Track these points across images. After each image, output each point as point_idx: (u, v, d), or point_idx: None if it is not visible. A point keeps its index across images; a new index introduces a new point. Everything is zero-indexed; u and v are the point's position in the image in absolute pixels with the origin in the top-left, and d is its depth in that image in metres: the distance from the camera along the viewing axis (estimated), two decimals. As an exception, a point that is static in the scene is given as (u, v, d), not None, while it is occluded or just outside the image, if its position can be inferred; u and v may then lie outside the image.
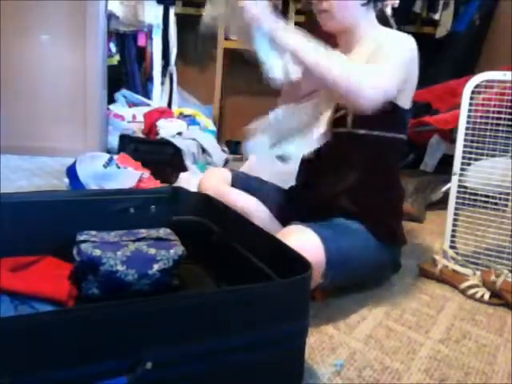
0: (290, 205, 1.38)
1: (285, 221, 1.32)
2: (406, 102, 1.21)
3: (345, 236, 1.17)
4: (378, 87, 1.06)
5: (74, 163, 1.91)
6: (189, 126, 2.68)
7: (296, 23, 3.08)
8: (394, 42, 1.17)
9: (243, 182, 1.39)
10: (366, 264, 1.22)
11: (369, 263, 1.22)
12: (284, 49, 1.05)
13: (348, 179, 1.24)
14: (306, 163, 1.34)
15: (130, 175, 1.90)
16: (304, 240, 1.06)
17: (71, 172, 1.90)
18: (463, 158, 1.46)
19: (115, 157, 2.01)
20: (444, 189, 2.10)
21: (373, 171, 1.24)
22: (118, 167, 1.92)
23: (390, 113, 1.15)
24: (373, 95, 1.05)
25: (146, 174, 1.97)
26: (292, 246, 0.89)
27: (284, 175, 1.50)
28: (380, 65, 1.11)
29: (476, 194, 1.48)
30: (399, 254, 1.36)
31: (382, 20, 1.27)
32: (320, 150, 1.26)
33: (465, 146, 1.45)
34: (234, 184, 1.38)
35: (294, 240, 1.00)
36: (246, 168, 1.72)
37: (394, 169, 1.32)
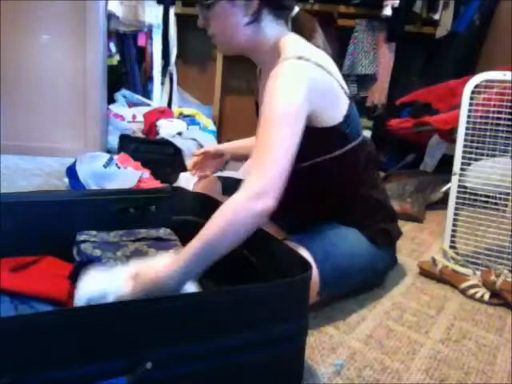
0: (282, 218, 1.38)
1: (278, 220, 1.32)
2: (333, 118, 1.10)
3: (339, 249, 1.16)
4: (268, 188, 0.89)
5: (74, 163, 1.91)
6: (189, 126, 2.68)
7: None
8: (276, 85, 0.99)
9: (234, 188, 1.39)
10: (362, 272, 1.22)
11: (365, 270, 1.22)
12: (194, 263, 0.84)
13: (320, 202, 1.20)
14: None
15: (130, 175, 1.90)
16: None
17: (71, 172, 1.90)
18: (463, 158, 1.46)
19: (115, 157, 2.01)
20: (444, 189, 2.10)
21: (340, 185, 1.20)
22: (118, 167, 1.92)
23: (322, 137, 1.09)
24: (271, 194, 0.88)
25: (146, 174, 1.98)
26: None
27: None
28: (261, 149, 0.93)
29: (476, 194, 1.48)
30: (395, 251, 1.35)
31: (301, 25, 1.14)
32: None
33: (465, 146, 1.45)
34: (225, 191, 1.38)
35: None
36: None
37: (363, 174, 1.24)
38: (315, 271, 1.07)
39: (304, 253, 1.08)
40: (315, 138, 1.05)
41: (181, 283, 0.82)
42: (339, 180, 1.19)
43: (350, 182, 1.21)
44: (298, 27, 1.14)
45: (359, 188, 1.22)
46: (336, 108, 1.11)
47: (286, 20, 1.12)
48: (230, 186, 1.39)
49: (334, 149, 1.14)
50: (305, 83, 0.99)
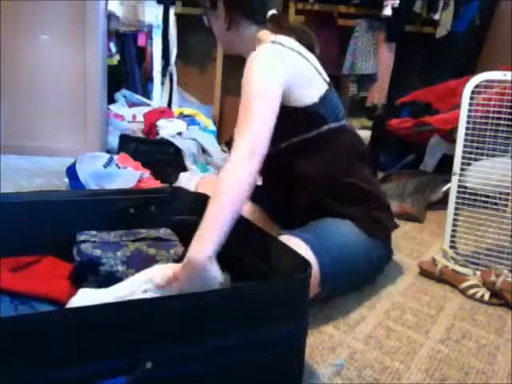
0: (278, 214, 1.40)
1: (279, 220, 1.35)
2: (306, 99, 1.16)
3: (335, 240, 1.17)
4: (254, 148, 0.98)
5: (74, 163, 1.91)
6: (189, 126, 2.68)
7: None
8: (251, 65, 1.09)
9: None
10: (361, 264, 1.22)
11: (363, 262, 1.22)
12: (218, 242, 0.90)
13: (307, 188, 1.23)
14: (266, 184, 1.36)
15: (130, 175, 1.90)
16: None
17: (71, 172, 1.90)
18: (463, 158, 1.46)
19: (115, 157, 2.01)
20: (444, 189, 2.10)
21: (326, 170, 1.21)
22: (118, 167, 1.92)
23: (296, 118, 1.14)
24: (258, 153, 0.98)
25: (146, 174, 1.97)
26: None
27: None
28: (244, 117, 1.02)
29: (476, 194, 1.48)
30: (390, 243, 1.35)
31: (279, 26, 1.22)
32: (267, 171, 1.17)
33: (465, 146, 1.45)
34: None
35: None
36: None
37: (349, 158, 1.25)
38: (314, 261, 1.08)
39: (301, 244, 1.09)
40: (291, 118, 1.12)
41: (213, 261, 0.88)
42: (320, 163, 1.21)
43: (332, 167, 1.22)
44: (276, 27, 1.22)
45: (345, 176, 1.23)
46: (310, 89, 1.18)
47: (263, 23, 1.21)
48: None
49: (309, 129, 1.19)
50: (278, 63, 1.11)
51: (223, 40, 1.27)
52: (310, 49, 1.24)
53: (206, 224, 0.90)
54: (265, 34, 1.20)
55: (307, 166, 1.21)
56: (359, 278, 1.27)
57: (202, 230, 0.89)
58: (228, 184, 0.94)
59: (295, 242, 1.09)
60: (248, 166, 0.96)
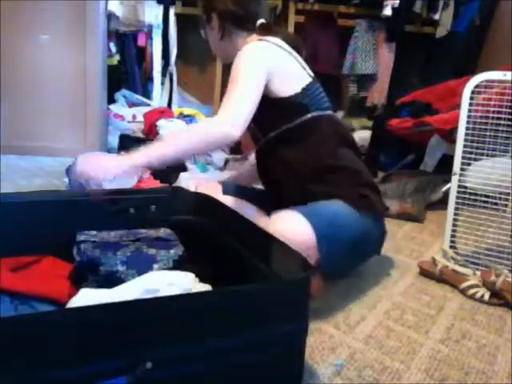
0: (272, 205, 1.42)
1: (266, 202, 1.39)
2: (289, 88, 1.25)
3: (327, 209, 1.22)
4: (237, 117, 1.15)
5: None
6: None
7: (296, 23, 3.09)
8: (239, 57, 1.23)
9: (234, 191, 1.42)
10: (353, 230, 1.22)
11: (355, 229, 1.22)
12: (160, 162, 1.14)
13: (297, 174, 1.28)
14: (260, 174, 1.45)
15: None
16: (291, 223, 1.13)
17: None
18: (463, 158, 1.46)
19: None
20: (444, 189, 2.10)
21: (312, 157, 1.27)
22: None
23: (279, 108, 1.25)
24: (236, 125, 1.13)
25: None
26: (281, 232, 1.01)
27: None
28: (229, 94, 1.18)
29: (476, 194, 1.48)
30: (383, 222, 1.36)
31: (268, 32, 1.33)
32: (260, 161, 1.37)
33: (465, 146, 1.45)
34: (225, 194, 1.41)
35: (281, 226, 1.10)
36: (246, 167, 1.72)
37: (333, 143, 1.30)
38: (309, 228, 1.13)
39: (292, 212, 1.15)
40: (276, 108, 1.24)
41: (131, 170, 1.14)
42: (306, 149, 1.28)
43: (318, 152, 1.28)
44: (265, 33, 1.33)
45: (331, 159, 1.28)
46: (293, 80, 1.27)
47: (253, 30, 1.33)
48: (230, 190, 1.40)
49: (293, 118, 1.27)
50: (262, 55, 1.24)
51: (218, 49, 1.39)
52: (296, 50, 1.34)
53: (158, 144, 1.14)
54: (253, 37, 1.32)
55: (295, 153, 1.29)
56: (353, 244, 1.24)
57: (152, 146, 1.12)
58: (200, 130, 1.16)
59: (289, 213, 1.16)
60: (224, 129, 1.12)
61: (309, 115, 1.27)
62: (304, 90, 1.27)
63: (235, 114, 1.15)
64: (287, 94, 1.25)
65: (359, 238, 1.24)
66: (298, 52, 1.34)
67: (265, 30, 1.33)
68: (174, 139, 1.19)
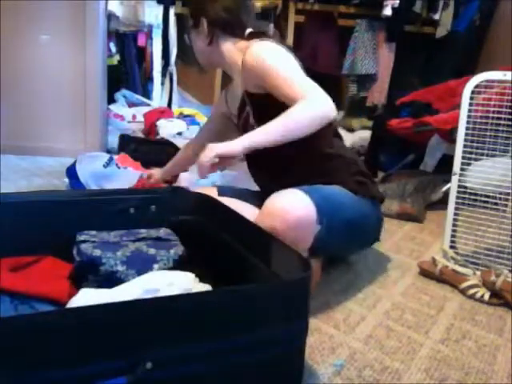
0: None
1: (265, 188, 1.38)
2: None
3: (326, 188, 1.22)
4: (325, 96, 1.14)
5: (74, 163, 1.91)
6: (189, 126, 2.68)
7: (296, 23, 3.09)
8: (260, 54, 1.22)
9: (230, 192, 1.42)
10: (353, 210, 1.23)
11: (353, 209, 1.23)
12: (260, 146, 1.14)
13: (293, 167, 1.30)
14: (254, 172, 1.46)
15: (130, 175, 1.90)
16: (290, 197, 1.12)
17: (71, 172, 1.90)
18: (463, 158, 1.46)
19: (115, 157, 2.01)
20: (444, 189, 2.10)
21: (309, 150, 1.27)
22: (118, 167, 1.92)
23: (281, 103, 1.21)
24: (331, 103, 1.14)
25: (146, 174, 1.97)
26: (280, 206, 1.06)
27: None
28: (293, 87, 1.16)
29: (476, 194, 1.48)
30: (380, 210, 1.37)
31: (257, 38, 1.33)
32: (254, 159, 1.36)
33: (465, 146, 1.45)
34: (220, 196, 1.41)
35: (281, 200, 1.09)
36: (246, 168, 1.72)
37: (327, 136, 1.32)
38: (308, 201, 1.11)
39: (293, 191, 1.14)
40: (280, 104, 1.18)
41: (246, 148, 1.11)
42: (307, 141, 1.22)
43: (314, 141, 1.25)
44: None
45: (326, 148, 1.30)
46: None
47: (242, 36, 1.33)
48: (226, 192, 1.40)
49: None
50: (280, 48, 1.24)
51: (203, 54, 1.38)
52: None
53: (269, 126, 1.11)
54: (244, 43, 1.31)
55: (293, 146, 1.25)
56: (354, 228, 1.25)
57: (263, 128, 1.12)
58: (303, 108, 1.11)
59: (288, 191, 1.14)
60: (327, 105, 1.12)
61: None
62: None
63: (321, 94, 1.13)
64: None
65: (358, 218, 1.25)
66: None
67: (256, 36, 1.32)
68: (282, 122, 1.12)
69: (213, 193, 1.41)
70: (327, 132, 1.29)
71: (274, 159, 1.30)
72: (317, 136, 1.25)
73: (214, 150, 1.09)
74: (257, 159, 1.37)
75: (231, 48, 1.33)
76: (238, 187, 1.53)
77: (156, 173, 1.76)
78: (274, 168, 1.34)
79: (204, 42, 1.34)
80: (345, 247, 1.33)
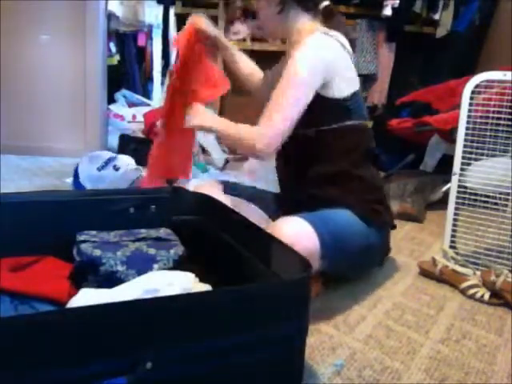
0: (280, 204, 1.43)
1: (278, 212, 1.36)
2: (340, 92, 1.24)
3: (334, 219, 1.22)
4: (269, 140, 1.19)
5: (78, 165, 1.93)
6: (189, 126, 2.68)
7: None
8: (300, 55, 1.20)
9: (234, 190, 1.42)
10: (358, 243, 1.23)
11: (360, 242, 1.24)
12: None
13: (315, 174, 1.29)
14: (279, 166, 1.44)
15: (123, 178, 1.90)
16: (296, 228, 1.12)
17: (75, 171, 1.93)
18: (463, 158, 1.46)
19: (118, 157, 1.99)
20: (444, 189, 2.10)
21: (336, 161, 1.28)
22: (116, 169, 1.91)
23: (325, 107, 1.23)
24: (265, 147, 1.19)
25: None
26: (286, 236, 0.99)
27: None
28: (276, 103, 1.19)
29: (476, 194, 1.48)
30: (388, 236, 1.37)
31: (329, 18, 1.33)
32: (282, 154, 1.35)
33: (465, 146, 1.45)
34: (225, 193, 1.41)
35: (286, 230, 1.08)
36: (246, 168, 1.72)
37: (360, 153, 1.31)
38: (314, 234, 1.13)
39: (301, 221, 1.14)
40: (321, 106, 1.21)
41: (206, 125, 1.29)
42: (336, 153, 1.28)
43: (344, 158, 1.28)
44: (326, 19, 1.33)
45: (353, 168, 1.28)
46: (346, 83, 1.25)
47: (314, 12, 1.30)
48: (230, 189, 1.40)
49: (335, 121, 1.26)
50: (325, 55, 1.21)
51: (269, 23, 1.31)
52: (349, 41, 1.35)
53: (228, 125, 1.26)
54: (313, 25, 1.28)
55: (321, 153, 1.29)
56: (357, 256, 1.26)
57: (226, 123, 1.27)
58: (241, 133, 1.23)
59: (295, 219, 1.15)
60: (258, 147, 1.18)
61: (349, 122, 1.26)
62: (353, 95, 1.26)
63: (273, 136, 1.18)
64: (336, 96, 1.24)
65: (362, 251, 1.26)
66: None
67: (327, 17, 1.30)
68: (228, 125, 1.27)
69: (218, 190, 1.41)
70: (356, 152, 1.29)
71: (302, 160, 1.31)
72: (345, 152, 1.28)
73: (192, 120, 1.27)
74: (287, 155, 1.35)
75: (298, 25, 1.29)
76: (247, 185, 1.52)
77: (205, 22, 1.38)
78: (298, 168, 1.33)
79: (274, 9, 1.27)
80: (343, 273, 1.32)
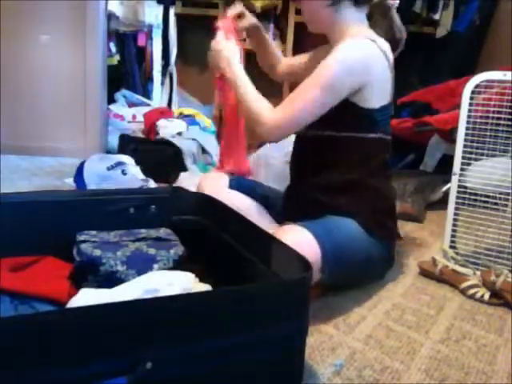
0: (285, 205, 1.41)
1: (281, 221, 1.34)
2: (369, 102, 1.21)
3: (337, 231, 1.20)
4: (276, 123, 1.17)
5: (84, 162, 1.93)
6: (189, 126, 2.68)
7: (296, 23, 3.08)
8: (336, 56, 1.17)
9: (240, 185, 1.41)
10: (361, 257, 1.22)
11: (363, 257, 1.23)
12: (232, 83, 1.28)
13: (328, 178, 1.27)
14: (292, 164, 1.42)
15: (131, 183, 1.89)
16: (298, 238, 1.09)
17: (79, 169, 1.94)
18: (463, 158, 1.46)
19: (127, 163, 1.99)
20: (444, 189, 2.10)
21: (351, 169, 1.26)
22: (125, 173, 1.91)
23: (351, 114, 1.20)
24: (267, 133, 1.20)
25: (145, 185, 1.97)
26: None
27: (284, 176, 1.50)
28: (300, 95, 1.17)
29: (476, 194, 1.48)
30: (393, 249, 1.36)
31: (382, 15, 1.30)
32: (297, 152, 1.34)
33: (465, 146, 1.45)
34: (230, 187, 1.41)
35: (288, 239, 1.03)
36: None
37: (376, 166, 1.29)
38: (316, 247, 1.10)
39: (304, 231, 1.12)
40: (348, 114, 1.19)
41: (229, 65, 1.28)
42: (352, 161, 1.25)
43: (364, 168, 1.25)
44: (373, 19, 1.29)
45: (367, 178, 1.26)
46: (378, 96, 1.22)
47: (363, 9, 1.26)
48: (236, 184, 1.40)
49: (361, 130, 1.23)
50: (363, 62, 1.17)
51: (317, 14, 1.27)
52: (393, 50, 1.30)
53: (248, 85, 1.24)
54: (360, 27, 1.25)
55: (339, 160, 1.26)
56: (358, 270, 1.26)
57: (247, 82, 1.25)
58: (257, 108, 1.20)
59: (298, 229, 1.13)
60: (268, 129, 1.17)
61: (373, 134, 1.24)
62: (382, 108, 1.23)
63: (287, 128, 1.18)
64: (366, 106, 1.21)
65: (364, 264, 1.25)
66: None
67: (379, 16, 1.28)
68: (246, 85, 1.24)
69: (223, 183, 1.40)
70: (372, 163, 1.27)
71: (316, 163, 1.29)
72: (361, 163, 1.25)
73: (213, 56, 1.32)
74: (302, 155, 1.34)
75: (345, 22, 1.24)
76: (254, 181, 1.51)
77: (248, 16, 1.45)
78: (311, 171, 1.31)
79: (324, 1, 1.22)
80: (343, 285, 1.30)
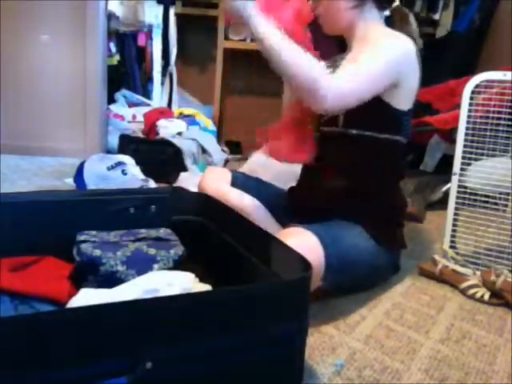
0: (289, 205, 1.39)
1: (284, 221, 1.33)
2: (400, 104, 1.21)
3: (344, 239, 1.18)
4: (341, 91, 1.04)
5: (84, 162, 1.93)
6: (189, 126, 2.68)
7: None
8: (383, 43, 1.14)
9: (243, 183, 1.40)
10: (366, 267, 1.22)
11: (368, 266, 1.23)
12: (255, 35, 1.00)
13: (343, 180, 1.25)
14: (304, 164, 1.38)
15: (130, 184, 1.90)
16: (303, 242, 1.06)
17: (79, 168, 1.94)
18: (463, 158, 1.46)
19: (127, 164, 1.99)
20: (444, 189, 2.10)
21: (368, 172, 1.25)
22: (125, 173, 1.92)
23: (382, 113, 1.18)
24: (331, 97, 1.02)
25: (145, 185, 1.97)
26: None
27: (284, 175, 1.50)
28: (360, 63, 1.08)
29: (476, 194, 1.48)
30: (399, 258, 1.37)
31: (401, 20, 1.29)
32: (318, 149, 1.29)
33: (465, 146, 1.45)
34: (233, 184, 1.39)
35: (292, 242, 1.00)
36: (246, 168, 1.72)
37: (392, 171, 1.30)
38: (321, 253, 1.08)
39: (309, 235, 1.10)
40: (377, 111, 1.15)
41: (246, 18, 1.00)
42: (372, 164, 1.23)
43: (381, 171, 1.25)
44: (393, 20, 1.27)
45: (386, 182, 1.27)
46: (407, 98, 1.21)
47: (384, 14, 1.26)
48: (239, 180, 1.39)
49: (384, 130, 1.21)
50: (408, 55, 1.15)
51: (338, 15, 1.23)
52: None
53: (284, 43, 0.99)
54: (386, 30, 1.22)
55: (358, 161, 1.24)
56: (361, 279, 1.26)
57: (280, 40, 0.99)
58: (311, 69, 1.00)
59: (304, 233, 1.11)
60: (323, 95, 1.00)
61: (397, 137, 1.24)
62: (408, 111, 1.24)
63: (351, 99, 1.05)
64: (396, 107, 1.20)
65: (368, 271, 1.25)
66: None
67: (399, 20, 1.25)
68: (293, 49, 1.00)
69: (225, 179, 1.38)
70: (392, 169, 1.27)
71: (338, 160, 1.26)
72: (382, 167, 1.24)
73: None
74: (323, 148, 1.29)
75: (365, 24, 1.22)
76: (258, 178, 1.48)
77: None
78: (330, 165, 1.28)
79: (349, 3, 1.19)
80: (345, 291, 1.30)
